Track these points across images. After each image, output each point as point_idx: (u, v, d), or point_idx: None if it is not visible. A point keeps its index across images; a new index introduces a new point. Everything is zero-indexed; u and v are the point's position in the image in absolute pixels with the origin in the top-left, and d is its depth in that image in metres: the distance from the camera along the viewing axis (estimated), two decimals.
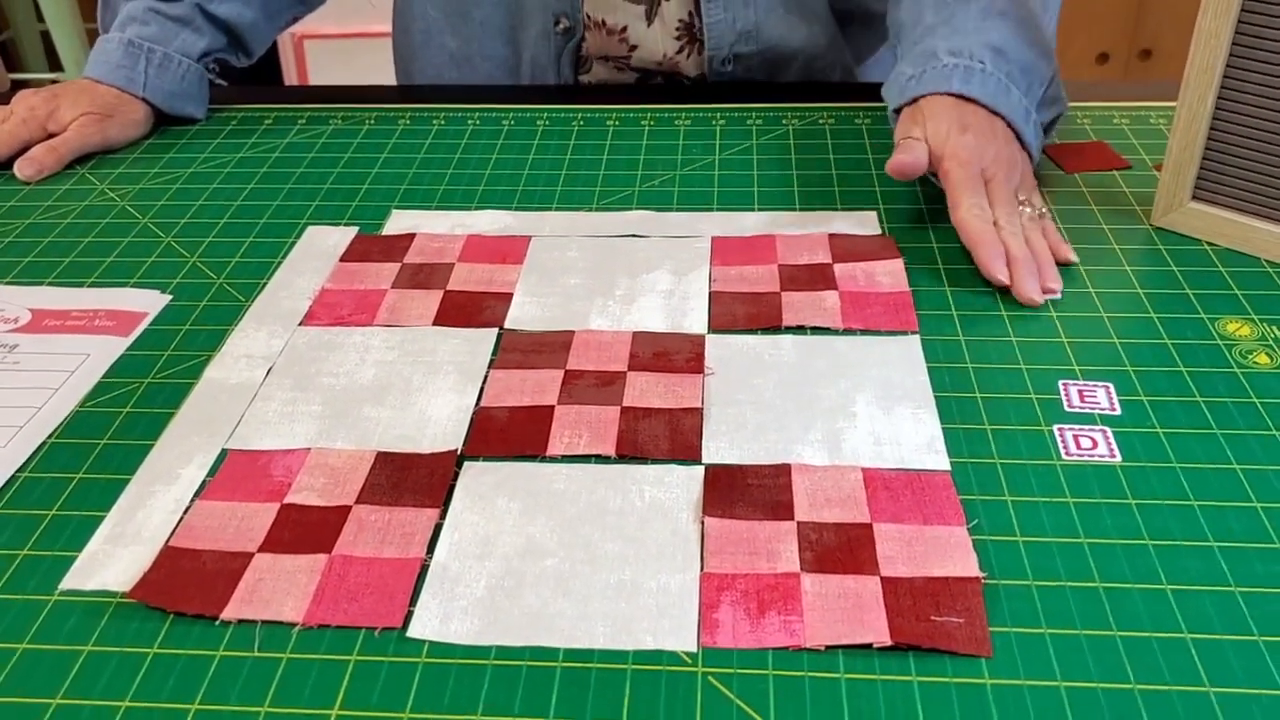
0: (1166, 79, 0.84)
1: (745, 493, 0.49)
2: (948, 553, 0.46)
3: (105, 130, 0.83)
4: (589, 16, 0.90)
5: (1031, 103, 0.71)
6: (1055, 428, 0.53)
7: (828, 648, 0.42)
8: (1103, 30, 2.12)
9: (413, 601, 0.45)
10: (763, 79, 0.93)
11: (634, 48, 0.91)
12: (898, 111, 0.72)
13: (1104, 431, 0.52)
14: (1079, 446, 0.52)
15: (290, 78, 2.38)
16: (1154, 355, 0.57)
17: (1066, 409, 0.54)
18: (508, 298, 0.64)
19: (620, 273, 0.66)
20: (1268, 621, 0.43)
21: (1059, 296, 0.62)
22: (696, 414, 0.54)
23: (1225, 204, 0.66)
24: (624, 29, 0.90)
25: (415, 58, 1.00)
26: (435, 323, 0.62)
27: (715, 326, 0.61)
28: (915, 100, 0.70)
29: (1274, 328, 0.59)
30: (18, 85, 0.86)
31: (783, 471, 0.51)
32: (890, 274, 0.64)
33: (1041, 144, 0.72)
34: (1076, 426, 0.53)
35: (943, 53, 0.71)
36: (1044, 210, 0.67)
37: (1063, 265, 0.64)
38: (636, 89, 0.94)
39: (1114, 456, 0.51)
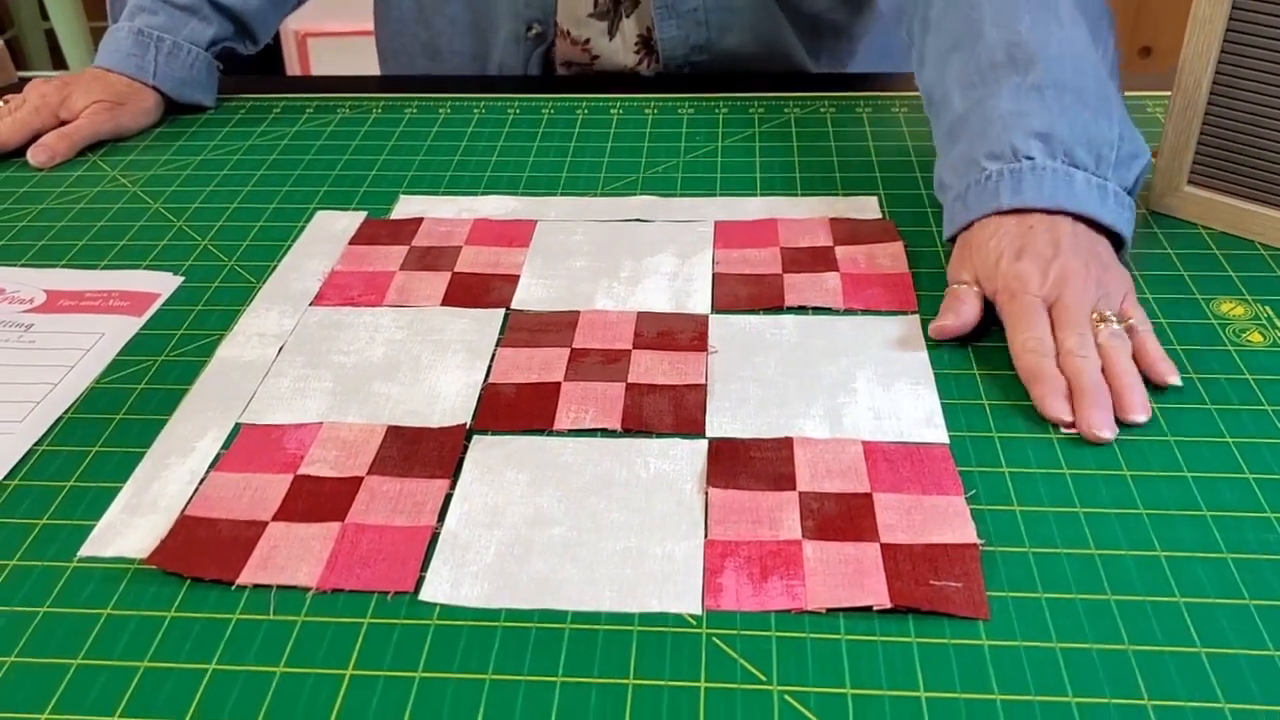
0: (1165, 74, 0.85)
1: (748, 465, 0.51)
2: (946, 521, 0.47)
3: (116, 118, 0.84)
4: (558, 25, 0.92)
5: (1105, 172, 0.61)
6: None
7: (829, 610, 0.43)
8: None
9: (424, 567, 0.46)
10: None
11: (596, 57, 0.94)
12: (952, 240, 0.64)
13: None
14: None
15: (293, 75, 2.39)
16: None
17: None
18: (514, 279, 0.65)
19: (625, 255, 0.67)
20: (1259, 586, 0.44)
21: (1143, 423, 0.52)
22: (700, 390, 0.55)
23: (1220, 188, 0.67)
24: (587, 40, 0.93)
25: (390, 44, 1.02)
26: (443, 303, 0.63)
27: (718, 307, 0.62)
28: (968, 227, 0.62)
29: (1267, 307, 0.60)
30: (23, 83, 0.87)
31: (784, 444, 0.52)
32: (891, 256, 0.65)
33: (1133, 215, 0.62)
34: None
35: (982, 158, 0.62)
36: (1134, 322, 0.56)
37: (1160, 388, 0.54)
38: (638, 79, 0.95)
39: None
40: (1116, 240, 0.61)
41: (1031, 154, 0.60)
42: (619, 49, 0.93)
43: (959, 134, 0.65)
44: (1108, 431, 0.51)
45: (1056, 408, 0.52)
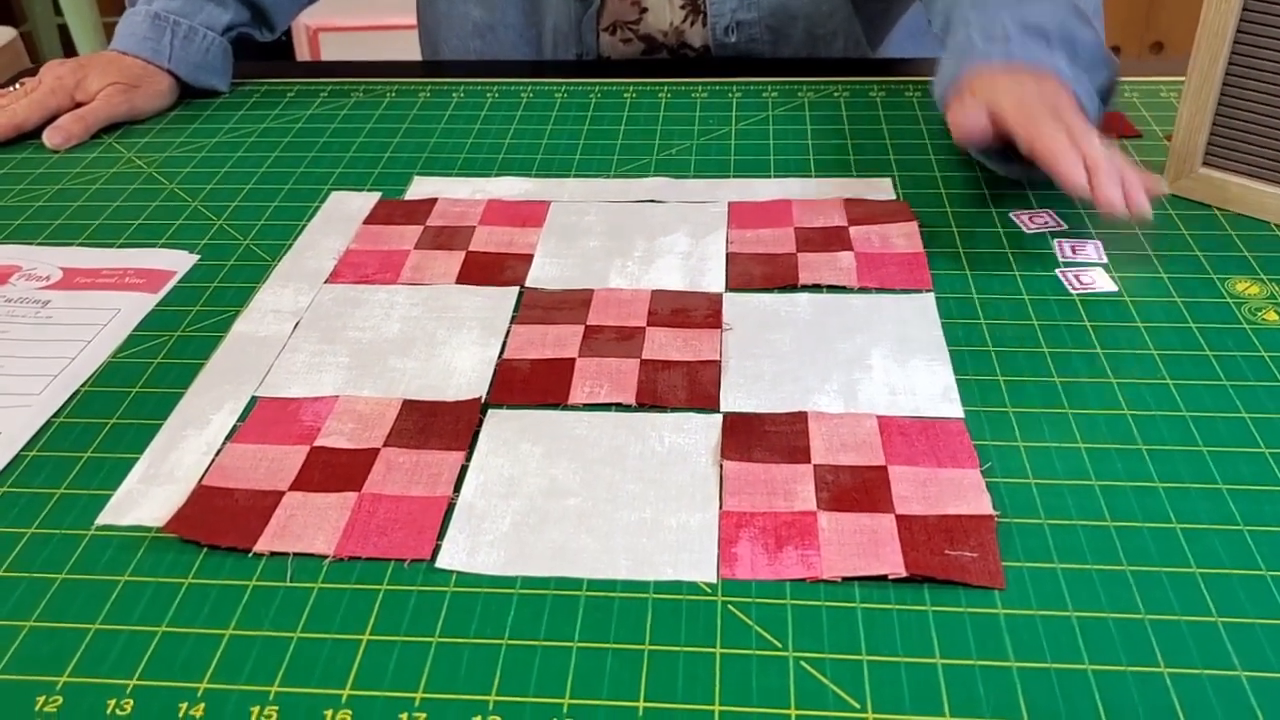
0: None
1: (763, 438, 0.51)
2: (961, 493, 0.47)
3: (132, 100, 0.84)
4: None
5: (1080, 68, 0.68)
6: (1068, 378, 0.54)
7: (844, 579, 0.43)
8: (1114, 23, 2.13)
9: (440, 536, 0.46)
10: (766, 48, 0.94)
11: (645, 10, 0.93)
12: (945, 103, 0.70)
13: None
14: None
15: None
16: (1165, 313, 0.58)
17: None
18: (528, 258, 0.65)
19: (638, 235, 0.67)
20: (1275, 558, 0.44)
21: (1150, 217, 0.59)
22: (714, 366, 0.55)
23: (1235, 169, 0.66)
24: None
25: (440, 27, 1.01)
26: (458, 281, 0.63)
27: (732, 285, 0.62)
28: (957, 79, 0.68)
29: None
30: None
31: (799, 419, 0.52)
32: (905, 236, 0.65)
33: (1098, 109, 0.68)
34: None
35: (978, 39, 0.70)
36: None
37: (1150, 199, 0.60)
38: (650, 64, 0.95)
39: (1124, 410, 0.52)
40: None
41: (1020, 33, 0.68)
42: (665, 7, 0.92)
43: (958, 32, 0.73)
44: (1121, 202, 0.58)
45: (1080, 175, 0.59)
